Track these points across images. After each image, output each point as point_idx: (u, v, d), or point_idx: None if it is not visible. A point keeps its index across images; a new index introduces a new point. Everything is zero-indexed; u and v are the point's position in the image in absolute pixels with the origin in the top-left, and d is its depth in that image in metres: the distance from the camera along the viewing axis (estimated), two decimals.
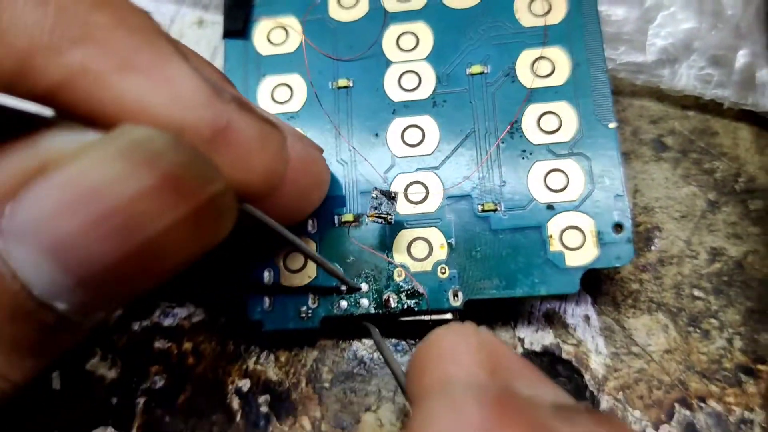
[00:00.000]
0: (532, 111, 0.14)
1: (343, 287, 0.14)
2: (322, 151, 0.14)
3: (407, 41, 0.15)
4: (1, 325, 0.09)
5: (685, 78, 0.16)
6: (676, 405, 0.14)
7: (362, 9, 0.15)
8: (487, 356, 0.10)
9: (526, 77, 0.14)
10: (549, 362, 0.14)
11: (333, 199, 0.14)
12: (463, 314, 0.14)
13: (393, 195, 0.14)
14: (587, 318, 0.14)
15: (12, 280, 0.09)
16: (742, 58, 0.16)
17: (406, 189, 0.14)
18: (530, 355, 0.14)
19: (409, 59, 0.15)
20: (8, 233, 0.09)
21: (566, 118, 0.14)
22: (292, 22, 0.16)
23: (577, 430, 0.09)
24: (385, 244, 0.14)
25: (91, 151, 0.09)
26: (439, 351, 0.10)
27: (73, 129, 0.09)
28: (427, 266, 0.14)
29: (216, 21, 0.18)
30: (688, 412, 0.14)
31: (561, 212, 0.14)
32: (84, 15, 0.09)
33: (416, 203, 0.14)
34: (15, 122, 0.09)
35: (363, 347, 0.14)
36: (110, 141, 0.09)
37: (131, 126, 0.09)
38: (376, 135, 0.15)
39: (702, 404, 0.14)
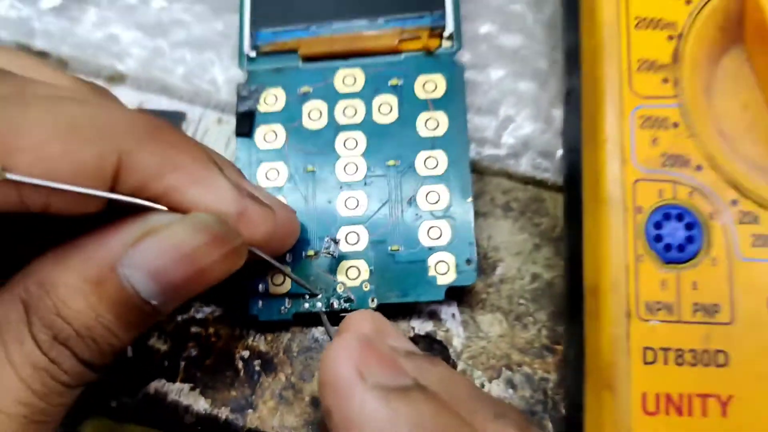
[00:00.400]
0: (423, 190, 0.23)
1: (308, 294, 0.23)
2: (294, 212, 0.23)
3: (350, 143, 0.24)
4: (124, 312, 0.18)
5: (524, 165, 0.25)
6: (503, 369, 0.23)
7: (323, 121, 0.24)
8: (374, 325, 0.19)
9: (420, 168, 0.24)
10: (429, 342, 0.23)
11: (302, 240, 0.23)
12: (379, 310, 0.23)
13: (337, 240, 0.23)
14: (453, 315, 0.23)
15: (131, 289, 0.18)
16: (559, 152, 0.25)
17: (345, 236, 0.23)
18: (418, 336, 0.23)
19: (351, 155, 0.24)
20: (129, 264, 0.18)
21: (443, 195, 0.23)
22: (279, 129, 0.25)
23: (414, 364, 0.18)
24: (332, 270, 0.23)
25: (177, 224, 0.17)
26: (345, 322, 0.19)
27: (167, 212, 0.18)
28: (356, 283, 0.23)
29: (230, 120, 0.27)
30: (510, 373, 0.23)
31: (436, 252, 0.23)
32: (174, 156, 0.18)
33: (352, 244, 0.23)
34: (142, 209, 0.18)
35: (317, 331, 0.23)
36: (187, 219, 0.18)
37: (197, 213, 0.18)
38: (329, 201, 0.24)
39: (519, 368, 0.23)
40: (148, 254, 0.16)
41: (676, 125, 0.19)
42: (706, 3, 0.20)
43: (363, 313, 0.19)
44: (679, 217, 0.18)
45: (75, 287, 0.16)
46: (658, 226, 0.18)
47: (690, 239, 0.18)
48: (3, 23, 0.28)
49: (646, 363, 0.18)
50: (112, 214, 0.17)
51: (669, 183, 0.19)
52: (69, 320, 0.16)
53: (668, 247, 0.18)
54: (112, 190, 0.16)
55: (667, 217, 0.18)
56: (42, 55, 0.28)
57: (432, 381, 0.16)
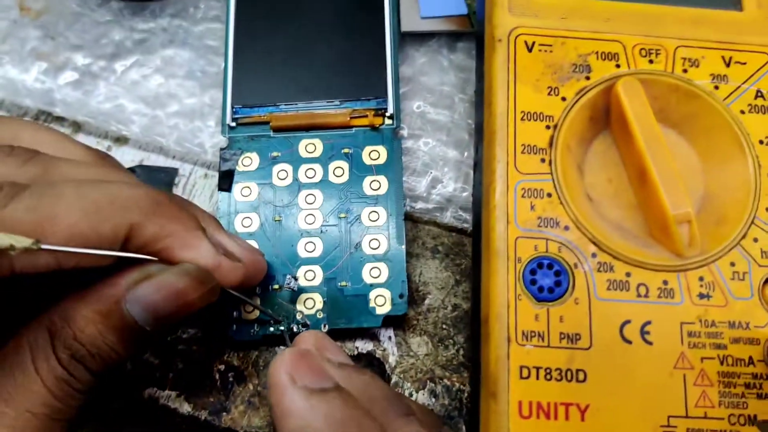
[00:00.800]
0: (367, 238, 0.29)
1: (272, 320, 0.28)
2: (263, 255, 0.28)
3: (310, 198, 0.30)
4: (125, 336, 0.23)
5: (449, 217, 0.31)
6: (428, 381, 0.28)
7: (289, 180, 0.30)
8: (316, 342, 0.24)
9: (365, 220, 0.29)
10: (369, 359, 0.29)
11: (269, 276, 0.29)
12: (329, 334, 0.28)
13: (297, 277, 0.28)
14: (390, 337, 0.29)
15: (131, 318, 0.23)
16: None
17: (304, 273, 0.29)
18: (361, 354, 0.29)
19: (310, 208, 0.30)
20: (130, 300, 0.23)
21: (382, 243, 0.29)
22: (254, 185, 0.30)
23: (343, 372, 0.23)
24: (293, 300, 0.28)
25: (167, 271, 0.23)
26: (296, 339, 0.25)
27: (160, 264, 0.24)
28: (312, 311, 0.28)
29: (214, 175, 0.32)
30: (433, 385, 0.28)
31: (376, 288, 0.28)
32: (170, 226, 0.22)
33: (309, 280, 0.29)
34: (139, 261, 0.23)
35: (279, 350, 0.29)
36: (175, 268, 0.23)
37: (183, 264, 0.23)
38: (292, 245, 0.29)
39: (440, 381, 0.28)
40: (145, 293, 0.22)
41: (549, 195, 0.25)
42: (578, 99, 0.26)
43: (309, 333, 0.25)
44: (550, 266, 0.24)
45: (88, 318, 0.22)
46: (533, 272, 0.24)
47: (558, 283, 0.24)
48: (29, 93, 0.33)
49: (522, 378, 0.23)
50: (119, 263, 0.22)
51: (542, 239, 0.24)
52: (83, 343, 0.21)
53: (541, 289, 0.24)
54: (121, 249, 0.22)
55: (540, 266, 0.24)
56: (60, 120, 0.34)
57: (355, 385, 0.22)
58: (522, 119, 0.25)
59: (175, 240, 0.22)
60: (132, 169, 0.32)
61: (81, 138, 0.33)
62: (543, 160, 0.25)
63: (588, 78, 0.26)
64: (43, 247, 0.18)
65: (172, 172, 0.32)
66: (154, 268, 0.22)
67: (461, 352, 0.28)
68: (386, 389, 0.23)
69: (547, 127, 0.25)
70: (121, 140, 0.33)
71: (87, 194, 0.20)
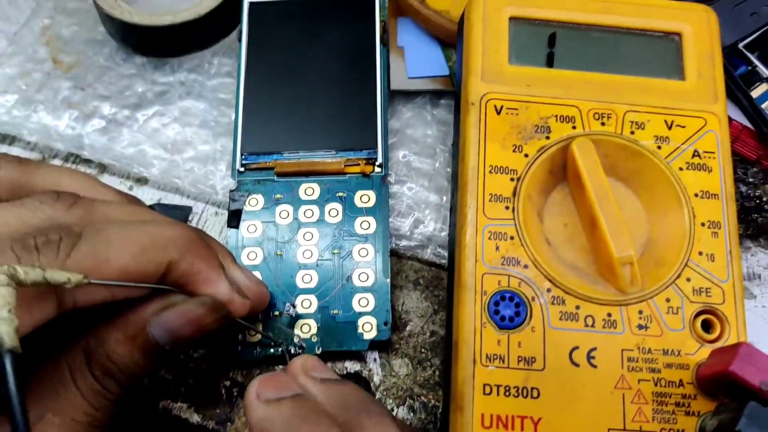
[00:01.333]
0: (357, 272, 0.33)
1: (272, 342, 0.32)
2: (267, 286, 0.31)
3: (308, 236, 0.34)
4: (148, 354, 0.27)
5: (429, 253, 0.35)
6: (407, 398, 0.32)
7: (290, 220, 0.34)
8: (304, 363, 0.28)
9: (356, 256, 0.33)
10: (356, 377, 0.32)
11: (270, 304, 0.32)
12: (321, 356, 0.32)
13: (295, 304, 0.32)
14: (375, 359, 0.33)
15: (154, 340, 0.27)
16: None
17: (301, 302, 0.33)
18: (349, 373, 0.32)
19: (308, 245, 0.34)
20: (154, 325, 0.27)
21: (370, 276, 0.33)
22: (258, 224, 0.34)
23: (323, 385, 0.26)
24: (291, 325, 0.32)
25: (188, 301, 0.27)
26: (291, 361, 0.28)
27: (181, 294, 0.27)
28: (308, 336, 0.32)
29: (224, 214, 0.36)
30: (411, 401, 0.32)
31: (364, 315, 0.32)
32: (198, 263, 0.25)
33: (305, 308, 0.32)
34: (166, 291, 0.27)
35: (278, 369, 0.33)
36: (195, 299, 0.27)
37: (202, 296, 0.27)
38: (291, 277, 0.33)
39: (418, 398, 0.32)
40: (168, 319, 0.25)
41: (512, 238, 0.29)
42: (539, 156, 0.30)
43: (298, 357, 0.28)
44: (511, 299, 0.28)
45: (119, 341, 0.25)
46: (497, 304, 0.28)
47: (518, 313, 0.28)
48: (61, 138, 0.37)
49: (485, 394, 0.27)
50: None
51: (505, 276, 0.28)
52: (114, 361, 0.25)
53: (503, 318, 0.28)
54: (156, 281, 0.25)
55: (503, 298, 0.28)
56: (87, 161, 0.38)
57: (331, 395, 0.25)
58: (490, 172, 0.29)
59: (200, 276, 0.26)
60: (151, 207, 0.36)
61: (106, 178, 0.37)
62: (507, 208, 0.29)
63: (548, 138, 0.30)
64: (92, 281, 0.22)
65: (186, 210, 0.37)
66: (176, 298, 0.26)
67: (437, 373, 0.32)
68: (363, 396, 0.26)
69: (512, 179, 0.29)
70: (141, 181, 0.37)
71: (133, 237, 0.24)
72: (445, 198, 0.35)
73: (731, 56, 0.35)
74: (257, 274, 0.33)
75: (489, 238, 0.29)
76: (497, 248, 0.29)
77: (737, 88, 0.35)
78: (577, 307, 0.28)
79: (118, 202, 0.27)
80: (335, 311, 0.32)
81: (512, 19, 0.32)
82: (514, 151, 0.30)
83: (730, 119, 0.34)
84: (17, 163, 0.26)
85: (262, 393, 0.25)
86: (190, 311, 0.25)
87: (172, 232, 0.25)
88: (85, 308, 0.23)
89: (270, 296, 0.32)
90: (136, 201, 0.30)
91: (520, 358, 0.27)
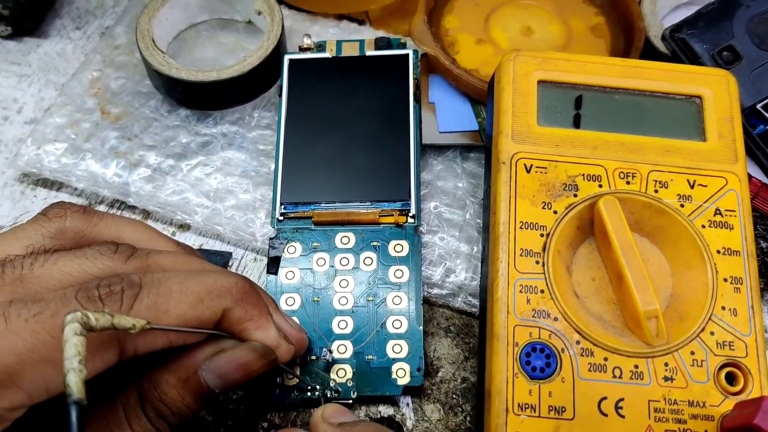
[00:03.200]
0: (390, 319, 0.34)
1: (309, 386, 0.33)
2: (306, 333, 0.32)
3: (344, 283, 0.35)
4: (198, 397, 0.28)
5: (460, 302, 0.36)
6: None
7: (326, 267, 0.35)
8: (329, 411, 0.29)
9: (390, 304, 0.34)
10: (390, 421, 0.33)
11: (308, 348, 0.34)
12: (357, 400, 0.33)
13: (331, 350, 0.33)
14: (408, 404, 0.34)
15: (205, 384, 0.28)
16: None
17: (337, 347, 0.34)
18: (383, 417, 0.33)
19: (344, 291, 0.35)
20: (205, 369, 0.28)
21: (404, 323, 0.34)
22: (296, 270, 0.35)
23: (339, 429, 0.27)
24: (327, 370, 0.33)
25: (240, 347, 0.27)
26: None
27: (232, 339, 0.28)
28: (343, 380, 0.33)
29: (263, 260, 0.38)
30: None
31: (397, 362, 0.33)
32: (252, 311, 0.26)
33: (341, 353, 0.34)
34: (219, 336, 0.28)
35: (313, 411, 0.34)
36: (247, 344, 0.27)
37: (253, 342, 0.28)
38: (328, 323, 0.34)
39: None
40: (219, 364, 0.26)
41: (542, 291, 0.30)
42: (567, 213, 0.31)
43: (321, 407, 0.29)
44: (542, 350, 0.29)
45: (171, 384, 0.26)
46: (528, 355, 0.29)
47: (548, 364, 0.29)
48: (108, 185, 0.39)
49: None
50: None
51: (536, 328, 0.29)
52: (167, 403, 0.26)
53: (534, 369, 0.29)
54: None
55: (534, 349, 0.29)
56: (132, 208, 0.39)
57: None
58: (521, 228, 0.31)
59: (252, 323, 0.27)
60: None
61: (149, 224, 0.39)
62: (537, 262, 0.30)
63: (576, 195, 0.31)
64: (154, 326, 0.23)
65: (227, 256, 0.38)
66: (227, 343, 0.27)
67: (468, 418, 0.33)
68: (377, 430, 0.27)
69: (541, 235, 0.31)
70: (184, 227, 0.39)
71: (190, 288, 0.25)
72: (475, 248, 0.36)
73: (750, 116, 0.37)
74: (295, 319, 0.34)
75: (520, 291, 0.30)
76: (528, 301, 0.30)
77: (756, 146, 0.37)
78: (605, 359, 0.29)
79: (174, 253, 0.29)
80: (370, 357, 0.33)
81: (540, 82, 0.33)
82: (543, 207, 0.31)
83: (750, 176, 0.35)
84: (82, 213, 0.28)
85: None
86: (240, 357, 0.26)
87: (226, 281, 0.26)
88: (143, 355, 0.24)
89: (308, 340, 0.33)
90: (191, 251, 0.31)
91: (550, 408, 0.28)
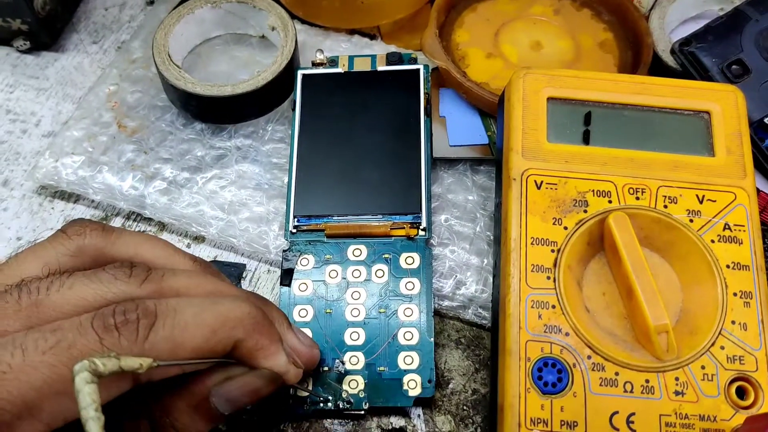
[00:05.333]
0: (402, 330, 0.33)
1: (321, 398, 0.33)
2: (318, 347, 0.31)
3: (356, 295, 0.34)
4: (209, 421, 0.27)
5: (470, 314, 0.35)
6: None
7: (338, 279, 0.34)
8: None
9: (401, 315, 0.34)
10: None
11: (320, 360, 0.33)
12: (368, 411, 0.32)
13: (343, 361, 0.33)
14: (419, 415, 0.33)
15: (215, 409, 0.26)
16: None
17: (349, 359, 0.33)
18: (394, 428, 0.33)
19: (356, 303, 0.34)
20: (216, 395, 0.27)
21: (415, 335, 0.33)
22: (309, 282, 0.35)
23: None
24: (339, 381, 0.33)
25: (248, 374, 0.25)
26: None
27: (243, 367, 0.28)
28: (355, 391, 0.33)
29: (276, 272, 0.37)
30: None
31: (409, 373, 0.32)
32: (262, 341, 0.25)
33: (353, 365, 0.33)
34: (225, 364, 0.28)
35: (327, 422, 0.33)
36: (256, 372, 0.26)
37: (261, 370, 0.27)
38: (340, 334, 0.34)
39: None
40: (228, 389, 0.25)
41: (553, 307, 0.29)
42: (577, 228, 0.30)
43: None
44: (553, 365, 0.28)
45: (182, 410, 0.25)
46: (539, 370, 0.28)
47: (560, 379, 0.28)
48: (124, 197, 0.39)
49: None
50: None
51: (548, 343, 0.29)
52: (179, 429, 0.25)
53: (546, 384, 0.28)
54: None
55: (545, 364, 0.28)
56: (148, 220, 0.39)
57: None
58: (532, 244, 0.30)
59: (262, 352, 0.26)
60: None
61: (165, 236, 0.39)
62: (549, 278, 0.30)
63: (586, 211, 0.31)
64: (161, 363, 0.22)
65: (241, 267, 0.37)
66: (236, 370, 0.26)
67: (479, 430, 0.33)
68: None
69: (552, 250, 0.30)
70: (199, 239, 0.38)
71: (205, 321, 0.24)
72: (486, 261, 0.36)
73: (758, 130, 0.36)
74: (307, 331, 0.33)
75: (532, 307, 0.29)
76: (540, 316, 0.29)
77: (765, 159, 0.36)
78: (617, 374, 0.28)
79: (189, 273, 0.27)
80: (382, 368, 0.33)
81: (550, 99, 0.33)
82: (554, 223, 0.30)
83: (758, 190, 0.35)
84: (101, 230, 0.27)
85: None
86: (250, 383, 0.26)
87: (240, 311, 0.25)
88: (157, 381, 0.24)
89: (320, 353, 0.33)
90: (207, 267, 0.30)
91: (562, 423, 0.28)
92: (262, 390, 0.26)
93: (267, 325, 0.26)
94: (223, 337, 0.24)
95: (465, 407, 0.33)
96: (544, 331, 0.29)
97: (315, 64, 0.40)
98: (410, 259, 0.35)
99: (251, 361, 0.26)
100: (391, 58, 0.40)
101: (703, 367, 0.29)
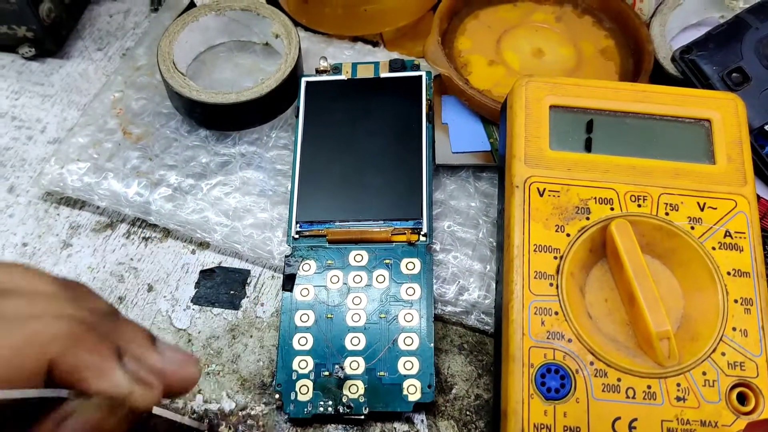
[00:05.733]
0: (402, 336, 0.33)
1: (321, 402, 0.33)
2: (197, 362, 0.26)
3: (357, 300, 0.34)
4: None
5: (473, 320, 0.35)
6: None
7: (340, 284, 0.35)
8: None
9: (401, 321, 0.34)
10: None
11: (320, 364, 0.33)
12: (368, 416, 0.32)
13: (343, 366, 0.33)
14: (422, 420, 0.33)
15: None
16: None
17: (349, 363, 0.33)
18: None
19: (357, 308, 0.34)
20: None
21: (415, 340, 0.33)
22: (311, 288, 0.35)
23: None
24: (340, 386, 0.33)
25: (85, 406, 0.22)
26: None
27: (78, 397, 0.22)
28: (355, 396, 0.32)
29: (279, 277, 0.37)
30: None
31: (409, 378, 0.32)
32: (87, 358, 0.21)
33: (353, 369, 0.33)
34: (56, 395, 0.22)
35: (330, 427, 0.33)
36: (90, 403, 0.22)
37: (96, 396, 0.22)
38: (340, 339, 0.34)
39: None
40: (71, 428, 0.22)
41: (556, 313, 0.29)
42: (579, 236, 0.30)
43: None
44: (556, 371, 0.28)
45: None
46: (543, 376, 0.28)
47: (563, 385, 0.28)
48: (129, 204, 0.39)
49: None
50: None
51: (551, 349, 0.29)
52: None
53: (549, 390, 0.28)
54: (44, 380, 0.21)
55: (548, 370, 0.28)
56: (153, 226, 0.39)
57: None
58: (534, 251, 0.30)
59: (90, 371, 0.22)
60: (212, 270, 0.37)
61: (169, 242, 0.39)
62: (551, 284, 0.30)
63: (588, 218, 0.31)
64: None
65: (245, 273, 0.37)
66: (72, 404, 0.23)
67: None
68: None
69: (555, 257, 0.30)
70: (203, 245, 0.38)
71: (11, 335, 0.21)
72: (488, 267, 0.36)
73: (759, 137, 0.36)
74: (309, 335, 0.33)
75: (535, 313, 0.29)
76: (543, 323, 0.29)
77: (765, 166, 0.36)
78: (619, 380, 0.28)
79: (43, 295, 0.24)
80: (382, 373, 0.32)
81: (552, 107, 0.33)
82: (556, 231, 0.30)
83: (759, 197, 0.35)
84: None
85: None
86: (89, 419, 0.23)
87: (55, 329, 0.22)
88: None
89: (322, 355, 0.33)
90: (76, 291, 0.25)
91: (565, 428, 0.28)
92: (106, 423, 0.23)
93: (92, 341, 0.23)
94: (32, 356, 0.21)
95: (468, 412, 0.33)
96: (547, 338, 0.29)
97: (318, 72, 0.40)
98: (411, 265, 0.35)
99: (79, 384, 0.22)
100: (394, 65, 0.40)
101: (704, 373, 0.28)
